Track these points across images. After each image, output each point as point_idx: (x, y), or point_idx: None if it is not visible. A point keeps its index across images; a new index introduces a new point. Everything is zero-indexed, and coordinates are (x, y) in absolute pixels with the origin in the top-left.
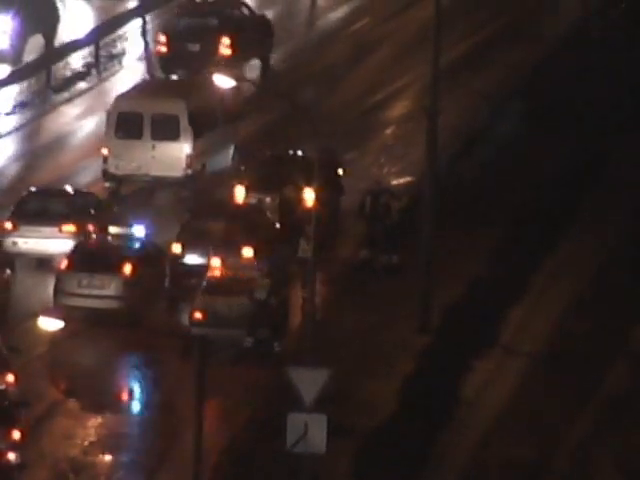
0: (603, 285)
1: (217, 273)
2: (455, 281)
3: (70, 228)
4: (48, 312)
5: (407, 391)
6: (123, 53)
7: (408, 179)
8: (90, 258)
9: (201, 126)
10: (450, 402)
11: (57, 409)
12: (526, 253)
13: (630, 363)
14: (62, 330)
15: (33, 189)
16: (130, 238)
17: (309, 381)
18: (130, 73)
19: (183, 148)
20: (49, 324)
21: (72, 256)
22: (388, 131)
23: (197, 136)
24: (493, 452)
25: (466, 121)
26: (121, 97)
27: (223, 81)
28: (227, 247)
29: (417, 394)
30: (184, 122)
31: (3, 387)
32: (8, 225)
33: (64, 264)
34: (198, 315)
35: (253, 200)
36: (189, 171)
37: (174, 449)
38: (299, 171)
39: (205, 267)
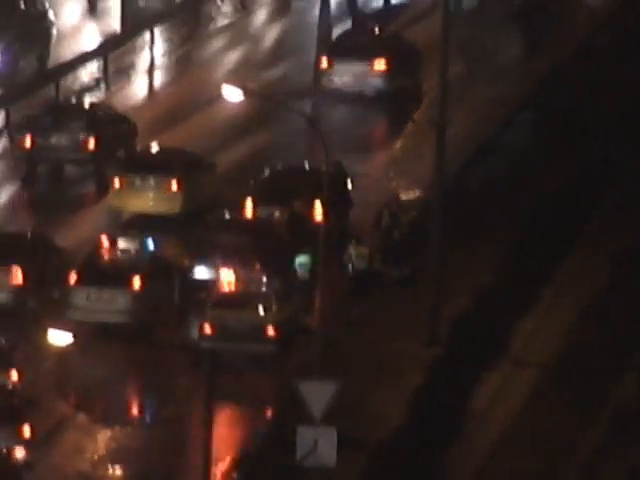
0: (612, 297)
1: (227, 287)
2: (464, 293)
3: (381, 64)
4: (57, 326)
5: (417, 403)
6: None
7: (417, 192)
8: (99, 272)
9: None
10: (459, 414)
11: (67, 423)
12: (535, 265)
13: (639, 375)
14: (71, 344)
15: (348, 29)
16: (139, 252)
17: (318, 394)
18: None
19: None
20: (58, 338)
21: (81, 270)
22: (397, 144)
23: None
24: (502, 464)
25: (474, 133)
26: None
27: (232, 94)
28: (236, 261)
29: (427, 406)
30: None
31: (10, 385)
32: (324, 63)
33: (73, 278)
34: (208, 329)
35: (262, 214)
36: None
37: (183, 462)
38: (308, 185)
39: (215, 281)
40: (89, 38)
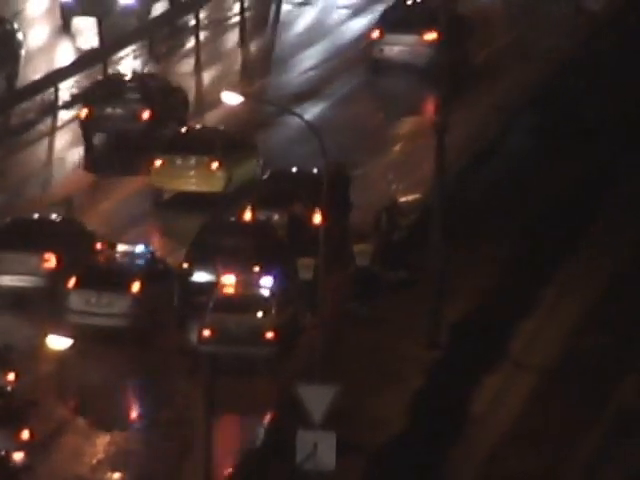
0: (614, 299)
1: (226, 290)
2: (464, 296)
3: (431, 36)
4: (57, 330)
5: (417, 406)
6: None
7: (417, 195)
8: (98, 276)
9: None
10: (460, 417)
11: (66, 427)
12: (536, 267)
13: None
14: (70, 348)
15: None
16: (138, 255)
17: (317, 398)
18: None
19: None
20: (58, 342)
21: (80, 274)
22: (397, 147)
23: None
24: (502, 466)
25: (475, 136)
26: None
27: (232, 98)
28: (236, 264)
29: (427, 409)
30: None
31: (9, 388)
32: (375, 34)
33: (72, 282)
34: (207, 333)
35: (261, 217)
36: None
37: (183, 466)
38: (307, 188)
39: (214, 284)
40: (64, 55)
